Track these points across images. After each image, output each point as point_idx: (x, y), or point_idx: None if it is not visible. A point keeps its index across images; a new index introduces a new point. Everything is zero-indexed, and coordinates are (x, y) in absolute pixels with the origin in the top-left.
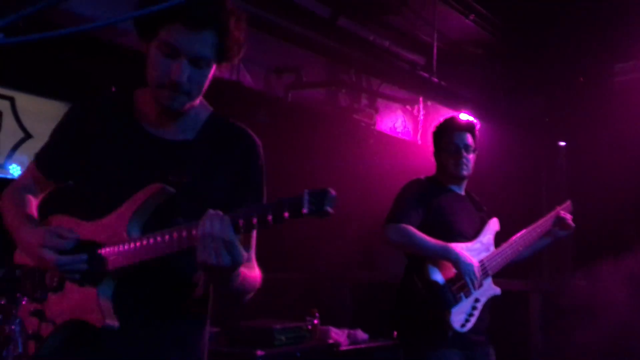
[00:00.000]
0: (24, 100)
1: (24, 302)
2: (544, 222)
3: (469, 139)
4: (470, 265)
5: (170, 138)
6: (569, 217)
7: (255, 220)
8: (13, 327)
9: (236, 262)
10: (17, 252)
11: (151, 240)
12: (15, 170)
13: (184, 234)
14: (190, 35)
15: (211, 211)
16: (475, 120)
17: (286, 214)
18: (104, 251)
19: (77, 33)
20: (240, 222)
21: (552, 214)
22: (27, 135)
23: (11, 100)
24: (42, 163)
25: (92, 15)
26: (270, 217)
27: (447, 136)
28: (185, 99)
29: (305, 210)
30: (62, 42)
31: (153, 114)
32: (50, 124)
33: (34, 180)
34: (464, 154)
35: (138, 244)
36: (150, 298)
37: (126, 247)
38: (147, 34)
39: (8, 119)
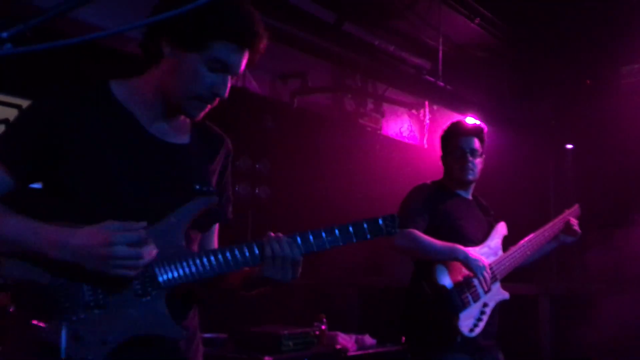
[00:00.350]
0: None
1: (35, 323)
2: (552, 226)
3: (476, 143)
4: (479, 261)
5: (171, 141)
6: (575, 222)
7: (324, 235)
8: None
9: (296, 277)
10: (8, 266)
11: (212, 258)
12: None
13: (248, 254)
14: (239, 54)
15: (277, 235)
16: (482, 125)
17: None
18: (154, 265)
19: (85, 42)
20: (311, 238)
21: (560, 218)
22: None
23: (19, 108)
24: (11, 160)
25: (100, 25)
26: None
27: (453, 140)
28: (206, 109)
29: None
30: (70, 51)
31: (147, 113)
32: None
33: None
34: (470, 158)
35: (198, 260)
36: (186, 307)
37: (189, 262)
38: (190, 44)
39: None
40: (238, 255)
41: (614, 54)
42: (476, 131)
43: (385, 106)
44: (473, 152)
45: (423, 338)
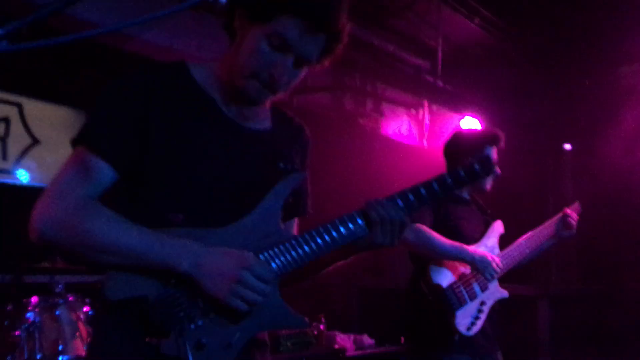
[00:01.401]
0: (31, 107)
1: (149, 339)
2: (550, 225)
3: (495, 152)
4: (484, 258)
5: (251, 126)
6: (574, 216)
7: (424, 191)
8: (18, 332)
9: (400, 239)
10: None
11: (318, 239)
12: (23, 176)
13: (352, 226)
14: (307, 35)
15: (377, 199)
16: (502, 134)
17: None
18: (265, 256)
19: (83, 39)
20: (411, 197)
21: (559, 215)
22: (35, 141)
23: (19, 106)
24: (112, 151)
25: (98, 22)
26: (446, 183)
27: (482, 149)
28: (270, 96)
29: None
30: (70, 49)
31: (225, 97)
32: (58, 129)
33: (90, 180)
34: (496, 170)
35: (304, 243)
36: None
37: (296, 245)
38: (257, 16)
39: (16, 125)
40: (344, 231)
41: (613, 54)
42: (500, 141)
43: (385, 106)
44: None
45: (422, 338)
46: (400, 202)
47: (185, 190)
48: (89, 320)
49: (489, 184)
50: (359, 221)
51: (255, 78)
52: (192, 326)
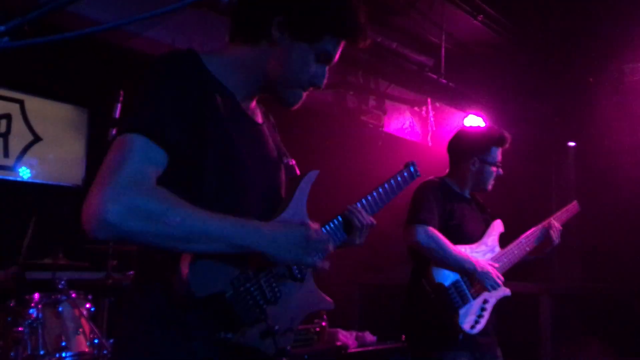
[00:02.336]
0: (33, 103)
1: (224, 334)
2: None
3: (501, 154)
4: (485, 270)
5: (259, 122)
6: (557, 230)
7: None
8: (21, 328)
9: None
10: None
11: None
12: (25, 172)
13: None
14: (339, 46)
15: (354, 206)
16: (508, 135)
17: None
18: None
19: (84, 36)
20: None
21: (559, 214)
22: (37, 138)
23: (21, 103)
24: (168, 136)
25: (100, 19)
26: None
27: (487, 150)
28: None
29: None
30: (72, 46)
31: (240, 91)
32: (59, 126)
33: (153, 167)
34: (494, 169)
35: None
36: None
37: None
38: (306, 36)
39: (18, 121)
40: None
41: (617, 52)
42: (506, 143)
43: (388, 103)
44: (499, 163)
45: (424, 336)
46: (371, 202)
47: (226, 184)
48: (92, 316)
49: (490, 184)
50: (340, 229)
51: (300, 88)
52: (263, 316)
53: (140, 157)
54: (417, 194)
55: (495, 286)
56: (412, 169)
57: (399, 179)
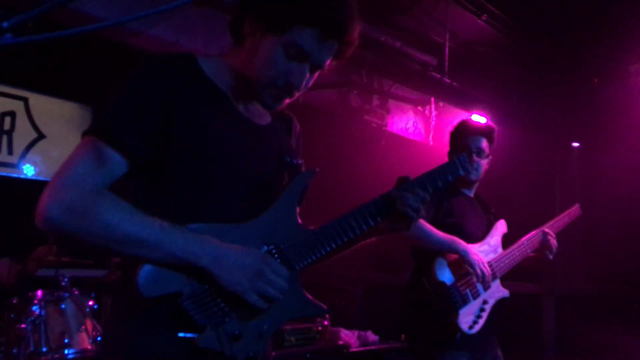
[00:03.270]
0: (37, 101)
1: (184, 334)
2: (552, 225)
3: (484, 143)
4: (477, 256)
5: (256, 122)
6: (553, 239)
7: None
8: (24, 325)
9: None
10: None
11: (338, 228)
12: (28, 170)
13: (374, 207)
14: (322, 44)
15: (398, 189)
16: (493, 125)
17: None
18: (285, 249)
19: (89, 34)
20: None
21: (561, 217)
22: (41, 136)
23: (25, 100)
24: (129, 143)
25: (104, 17)
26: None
27: (462, 138)
28: (286, 101)
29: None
30: (76, 44)
31: (234, 93)
32: (63, 124)
33: (104, 170)
34: (476, 158)
35: (323, 236)
36: None
37: (315, 240)
38: (272, 27)
39: (21, 119)
40: (357, 224)
41: (622, 52)
42: (485, 131)
43: (391, 102)
44: (480, 152)
45: (423, 335)
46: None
47: (207, 185)
48: (95, 313)
49: (476, 175)
50: (375, 212)
51: (273, 87)
52: (227, 319)
53: (92, 160)
54: None
55: (483, 271)
56: (457, 160)
57: (445, 168)
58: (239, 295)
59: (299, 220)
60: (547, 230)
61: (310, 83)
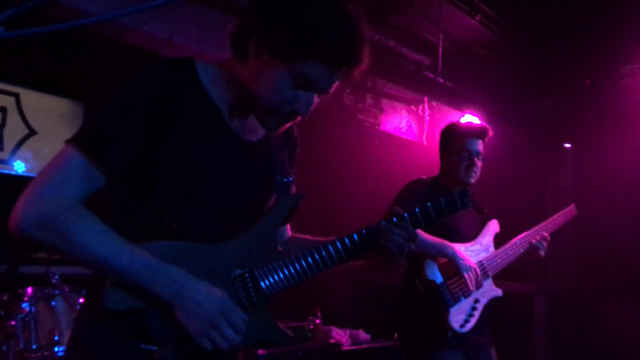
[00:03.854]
0: (28, 97)
1: (145, 346)
2: (546, 225)
3: (481, 145)
4: (466, 260)
5: (248, 139)
6: (544, 240)
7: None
8: (14, 322)
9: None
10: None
11: (312, 259)
12: (19, 166)
13: (350, 241)
14: (331, 74)
15: (387, 222)
16: (488, 127)
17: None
18: (258, 274)
19: (82, 30)
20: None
21: (556, 217)
22: (32, 132)
23: (16, 96)
24: (110, 159)
25: (96, 12)
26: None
27: (459, 140)
28: (287, 125)
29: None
30: (68, 40)
31: (228, 108)
32: (55, 120)
33: (82, 184)
34: (476, 161)
35: (298, 265)
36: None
37: (290, 267)
38: (283, 55)
39: (13, 115)
40: (335, 252)
41: (614, 54)
42: (483, 133)
43: (384, 102)
44: (478, 155)
45: (416, 335)
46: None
47: (187, 201)
48: None
49: (468, 175)
50: (354, 239)
51: (277, 114)
52: (188, 342)
53: (70, 172)
54: (400, 192)
55: (471, 276)
56: (458, 197)
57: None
58: (189, 334)
59: (278, 246)
60: (545, 235)
61: (313, 107)
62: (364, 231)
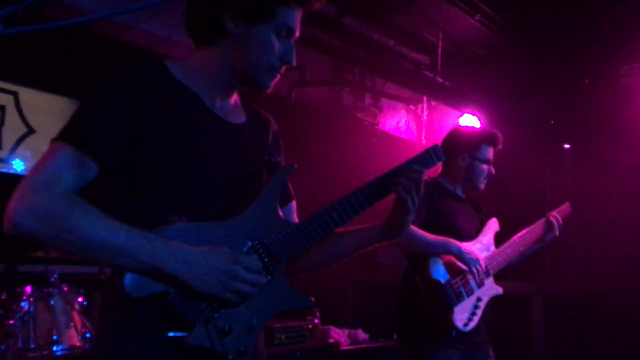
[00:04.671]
0: (27, 95)
1: (174, 334)
2: (538, 226)
3: (491, 153)
4: (472, 254)
5: (232, 121)
6: (558, 219)
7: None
8: (13, 321)
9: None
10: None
11: (329, 216)
12: (18, 165)
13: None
14: (298, 15)
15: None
16: (499, 133)
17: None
18: (269, 243)
19: (81, 28)
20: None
21: (544, 219)
22: (31, 130)
23: (15, 94)
24: (98, 147)
25: (95, 10)
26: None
27: (482, 147)
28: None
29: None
30: (67, 38)
31: (208, 93)
32: (53, 119)
33: (74, 175)
34: (487, 168)
35: (305, 226)
36: None
37: (297, 230)
38: (260, 17)
39: (11, 113)
40: (341, 207)
41: (613, 54)
42: (495, 141)
43: (383, 101)
44: (489, 162)
45: (417, 333)
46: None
47: (181, 186)
48: (84, 310)
49: (481, 182)
50: (360, 197)
51: (271, 70)
52: (216, 315)
53: (60, 164)
54: None
55: (479, 270)
56: (432, 152)
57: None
58: (212, 296)
59: (281, 214)
60: (552, 215)
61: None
62: (373, 182)
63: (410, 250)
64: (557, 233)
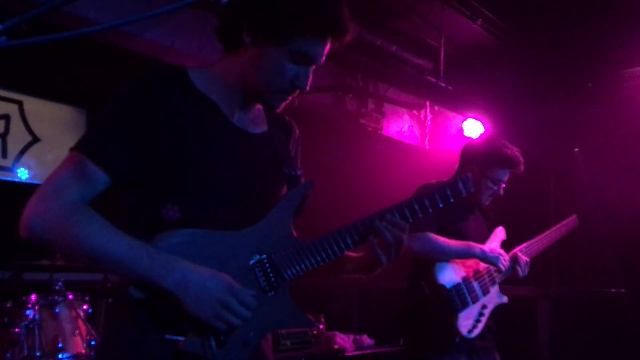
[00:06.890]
0: (32, 104)
1: (170, 337)
2: (549, 234)
3: (508, 176)
4: (494, 252)
5: (252, 131)
6: (523, 261)
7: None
8: (18, 329)
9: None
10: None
11: (337, 245)
12: (23, 173)
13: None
14: (322, 46)
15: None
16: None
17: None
18: (277, 258)
19: (84, 37)
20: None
21: (558, 227)
22: (35, 139)
23: (19, 103)
24: (111, 160)
25: (99, 20)
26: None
27: (500, 167)
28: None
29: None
30: (71, 47)
31: (228, 103)
32: (58, 127)
33: (85, 185)
34: (495, 189)
35: (314, 248)
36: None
37: (307, 251)
38: (277, 39)
39: (16, 122)
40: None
41: (616, 57)
42: (516, 165)
43: (387, 106)
44: (502, 184)
45: (422, 338)
46: (407, 213)
47: (196, 196)
48: (89, 318)
49: (485, 198)
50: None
51: (281, 93)
52: (211, 326)
53: (74, 174)
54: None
55: (504, 264)
56: (460, 184)
57: (448, 191)
58: (200, 320)
59: (293, 232)
60: (518, 254)
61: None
62: (375, 214)
63: (432, 258)
64: (519, 273)
